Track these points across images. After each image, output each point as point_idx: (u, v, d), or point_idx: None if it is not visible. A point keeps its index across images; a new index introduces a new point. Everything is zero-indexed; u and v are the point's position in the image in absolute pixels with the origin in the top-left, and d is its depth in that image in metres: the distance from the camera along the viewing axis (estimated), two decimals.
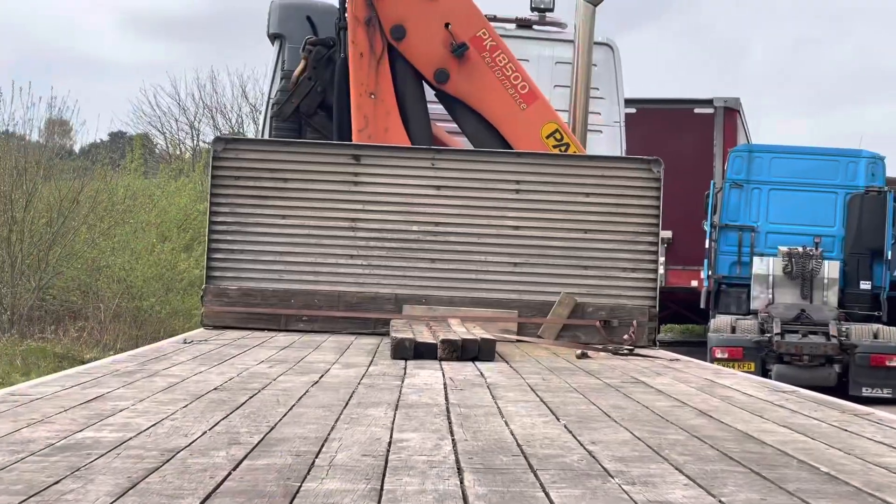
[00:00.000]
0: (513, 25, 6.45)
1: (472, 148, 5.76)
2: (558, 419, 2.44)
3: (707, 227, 10.89)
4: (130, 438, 1.96)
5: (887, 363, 9.42)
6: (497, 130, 5.56)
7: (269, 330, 5.18)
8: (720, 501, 1.46)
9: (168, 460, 1.73)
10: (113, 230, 13.69)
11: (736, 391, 3.10)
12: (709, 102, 13.15)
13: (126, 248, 13.68)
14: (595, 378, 3.48)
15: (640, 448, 2.00)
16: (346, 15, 5.46)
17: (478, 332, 4.31)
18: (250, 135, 18.14)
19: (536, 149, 5.52)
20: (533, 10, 6.42)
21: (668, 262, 12.19)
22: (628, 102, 7.49)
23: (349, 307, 5.30)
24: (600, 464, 1.80)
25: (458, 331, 4.37)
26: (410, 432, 2.16)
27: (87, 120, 36.58)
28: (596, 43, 6.13)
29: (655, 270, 5.33)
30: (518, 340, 4.88)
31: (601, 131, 6.35)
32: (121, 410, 2.37)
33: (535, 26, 6.53)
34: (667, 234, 11.89)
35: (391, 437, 2.08)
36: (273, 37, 6.28)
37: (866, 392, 9.27)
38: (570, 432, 2.20)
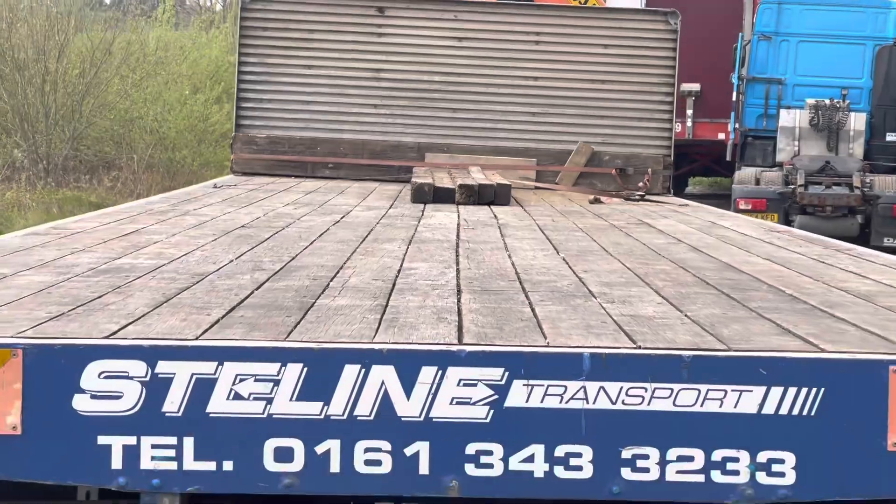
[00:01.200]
0: None
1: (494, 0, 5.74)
2: (558, 253, 2.62)
3: (734, 80, 10.65)
4: (164, 265, 2.18)
5: None
6: None
7: (295, 177, 5.41)
8: (685, 315, 1.64)
9: (198, 282, 1.95)
10: (145, 81, 13.84)
11: (733, 231, 3.26)
12: None
13: (158, 100, 13.87)
14: (603, 220, 3.65)
15: (628, 276, 2.17)
16: None
17: (495, 179, 4.46)
18: None
19: (557, 1, 5.48)
20: None
21: (695, 114, 12.23)
22: None
23: (373, 155, 5.47)
24: (587, 287, 1.98)
25: (477, 177, 4.53)
26: (419, 262, 2.36)
27: None
28: None
29: (671, 120, 5.40)
30: (536, 187, 5.02)
31: None
32: (155, 242, 2.60)
33: None
34: (695, 86, 11.85)
35: (401, 265, 2.28)
36: None
37: (888, 242, 9.27)
38: (567, 263, 2.38)
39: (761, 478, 1.46)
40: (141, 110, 13.30)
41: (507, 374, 1.41)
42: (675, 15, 5.32)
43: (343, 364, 1.36)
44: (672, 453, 1.43)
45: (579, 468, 1.44)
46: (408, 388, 1.37)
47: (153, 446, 1.37)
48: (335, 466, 1.38)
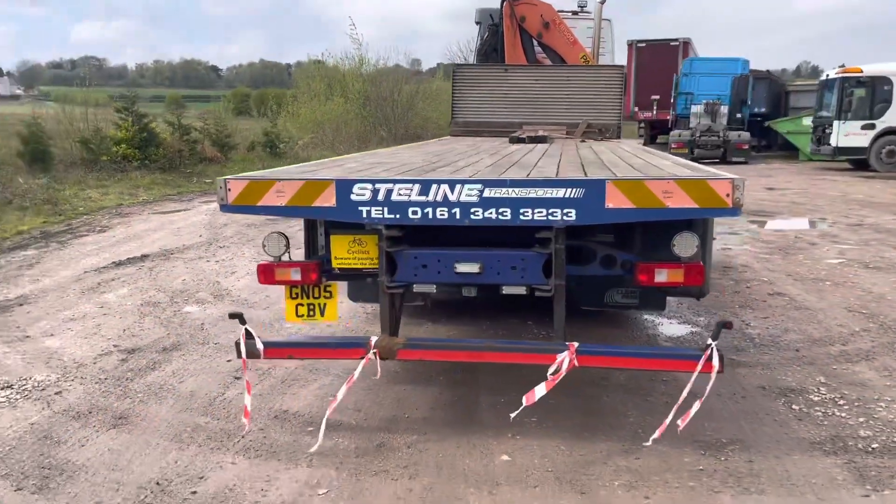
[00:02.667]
0: (569, 13, 14.12)
1: (559, 66, 13.59)
2: (557, 159, 10.77)
3: (673, 93, 27.00)
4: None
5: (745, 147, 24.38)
6: (561, 56, 13.43)
7: (475, 136, 13.66)
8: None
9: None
10: (433, 103, 31.31)
11: (622, 148, 11.23)
12: (675, 40, 29.29)
13: (436, 110, 27.11)
14: (581, 145, 11.74)
15: (575, 162, 10.30)
16: (503, 13, 13.31)
17: (545, 133, 12.57)
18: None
19: (576, 63, 13.41)
20: (578, 8, 14.08)
21: (658, 108, 30.05)
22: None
23: (505, 126, 13.58)
24: (558, 166, 10.12)
25: (537, 134, 12.64)
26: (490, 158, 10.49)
27: None
28: (604, 19, 13.74)
29: (620, 109, 13.23)
30: (565, 137, 13.08)
31: (605, 55, 14.07)
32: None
33: (580, 13, 14.14)
34: (657, 96, 29.36)
35: (501, 157, 10.43)
36: (476, 22, 14.10)
37: (734, 159, 24.91)
38: (557, 159, 10.53)
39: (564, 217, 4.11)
40: (431, 114, 25.11)
41: (482, 186, 4.13)
42: (622, 68, 13.22)
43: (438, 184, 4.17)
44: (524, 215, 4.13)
45: (504, 214, 4.13)
46: (454, 191, 4.16)
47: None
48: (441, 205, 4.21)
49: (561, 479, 4.15)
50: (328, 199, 4.37)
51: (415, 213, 4.28)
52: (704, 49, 33.20)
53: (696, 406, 4.22)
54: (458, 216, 4.23)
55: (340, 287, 5.25)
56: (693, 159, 22.28)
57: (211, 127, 21.09)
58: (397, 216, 4.28)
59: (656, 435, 4.37)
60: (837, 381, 5.61)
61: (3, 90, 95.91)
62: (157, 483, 4.16)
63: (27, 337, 6.86)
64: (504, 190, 4.21)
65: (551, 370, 4.31)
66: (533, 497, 3.98)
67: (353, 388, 4.72)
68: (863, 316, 7.36)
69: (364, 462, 4.37)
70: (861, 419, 4.90)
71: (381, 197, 4.29)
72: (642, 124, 31.65)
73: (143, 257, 10.35)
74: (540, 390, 4.30)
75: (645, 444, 4.42)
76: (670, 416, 4.28)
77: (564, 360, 4.31)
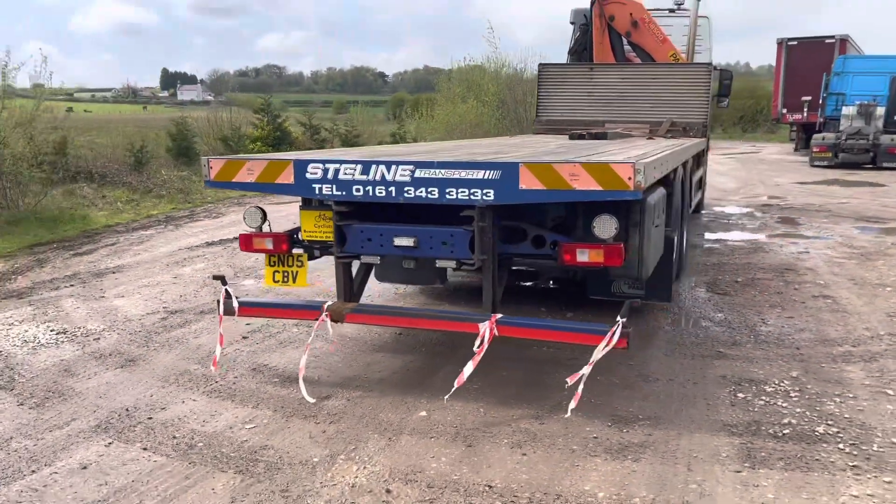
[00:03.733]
0: (666, 10, 13.88)
1: (645, 63, 13.48)
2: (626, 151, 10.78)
3: (822, 94, 25.43)
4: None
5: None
6: (650, 54, 13.33)
7: (553, 134, 13.87)
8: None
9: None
10: None
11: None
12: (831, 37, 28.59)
13: None
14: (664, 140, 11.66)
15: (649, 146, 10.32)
16: (592, 12, 13.41)
17: (617, 131, 12.54)
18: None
19: (665, 62, 13.21)
20: (675, 6, 13.83)
21: (809, 109, 28.09)
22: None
23: (584, 124, 13.69)
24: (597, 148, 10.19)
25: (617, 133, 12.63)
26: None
27: None
28: (701, 16, 13.25)
29: (707, 108, 12.86)
30: (650, 136, 12.97)
31: (701, 53, 13.73)
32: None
33: (676, 10, 13.84)
34: (808, 97, 28.04)
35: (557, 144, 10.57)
36: (571, 22, 14.29)
37: (885, 164, 22.58)
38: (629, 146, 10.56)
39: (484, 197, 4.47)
40: None
41: (414, 167, 4.56)
42: (710, 64, 12.80)
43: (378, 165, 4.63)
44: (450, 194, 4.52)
45: (433, 193, 4.52)
46: (389, 171, 4.63)
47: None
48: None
49: (459, 435, 4.51)
50: (287, 177, 4.96)
51: (358, 190, 4.75)
52: (867, 47, 30.87)
53: (587, 369, 4.46)
54: (393, 194, 4.66)
55: (318, 263, 5.87)
56: (837, 164, 21.36)
57: (341, 127, 22.50)
58: (343, 193, 4.78)
59: (573, 405, 4.61)
60: (812, 377, 5.49)
61: (195, 96, 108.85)
62: (126, 409, 4.95)
63: (102, 297, 8.02)
64: (432, 171, 4.58)
65: (476, 344, 4.67)
66: (425, 446, 4.37)
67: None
68: None
69: (301, 408, 4.94)
70: (799, 410, 4.85)
71: (329, 175, 4.79)
72: (793, 127, 30.04)
73: (234, 239, 11.50)
74: (468, 369, 4.69)
75: (565, 416, 4.67)
76: (580, 388, 4.53)
77: (486, 329, 4.66)
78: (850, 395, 5.09)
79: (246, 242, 5.45)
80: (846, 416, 4.71)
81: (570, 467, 4.05)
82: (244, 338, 6.46)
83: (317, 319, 5.13)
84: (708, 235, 11.75)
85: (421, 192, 4.61)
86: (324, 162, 4.83)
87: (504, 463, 4.10)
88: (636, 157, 4.83)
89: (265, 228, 5.50)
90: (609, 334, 4.42)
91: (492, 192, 4.48)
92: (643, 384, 5.28)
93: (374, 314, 5.29)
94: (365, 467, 4.07)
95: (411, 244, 4.85)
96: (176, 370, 5.67)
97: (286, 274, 5.54)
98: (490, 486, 3.84)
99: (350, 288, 5.41)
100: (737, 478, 3.94)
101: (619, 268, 4.91)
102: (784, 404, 4.93)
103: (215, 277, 5.46)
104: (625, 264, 4.85)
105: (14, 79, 13.24)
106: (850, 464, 4.06)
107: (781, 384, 5.32)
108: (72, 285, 8.52)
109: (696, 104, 11.66)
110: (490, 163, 4.50)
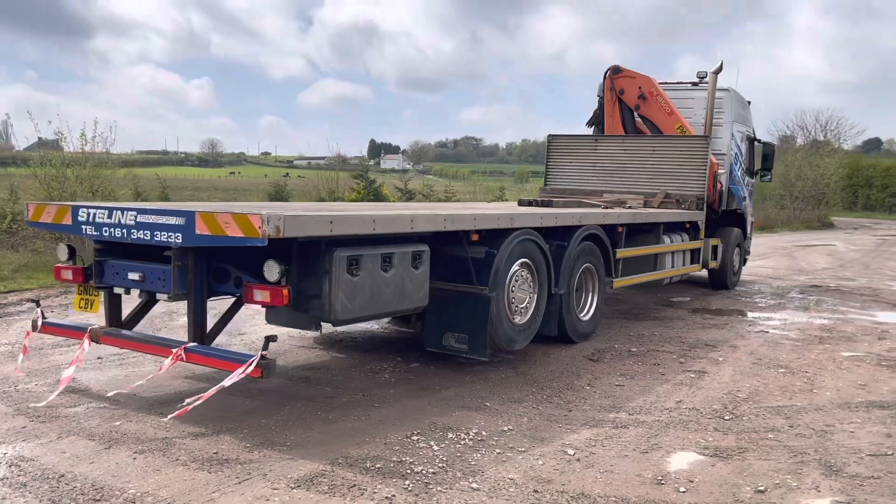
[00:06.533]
0: (689, 84, 12.83)
1: (644, 135, 12.01)
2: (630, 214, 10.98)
3: None
4: None
5: None
6: (657, 126, 12.06)
7: (562, 202, 14.19)
8: None
9: None
10: None
11: None
12: None
13: None
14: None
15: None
16: (604, 86, 12.29)
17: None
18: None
19: (672, 134, 11.89)
20: (698, 79, 13.36)
21: None
22: None
23: (584, 193, 13.79)
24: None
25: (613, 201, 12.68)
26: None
27: None
28: (721, 89, 12.14)
29: (703, 181, 11.18)
30: (644, 206, 12.68)
31: (721, 126, 12.34)
32: None
33: (699, 84, 12.59)
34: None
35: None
36: (598, 96, 12.75)
37: None
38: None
39: (175, 240, 4.95)
40: None
41: (136, 213, 5.19)
42: (706, 137, 11.31)
43: None
44: (157, 236, 5.03)
45: (146, 235, 5.03)
46: (123, 215, 5.21)
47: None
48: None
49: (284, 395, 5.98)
50: (68, 219, 5.63)
51: (106, 231, 5.36)
52: None
53: (213, 390, 4.98)
54: (125, 235, 5.27)
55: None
56: None
57: (440, 193, 23.73)
58: (98, 233, 5.44)
59: (175, 413, 5.09)
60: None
61: (396, 165, 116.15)
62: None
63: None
64: (147, 216, 5.11)
65: (164, 365, 5.24)
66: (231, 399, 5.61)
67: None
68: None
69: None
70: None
71: (91, 219, 5.45)
72: None
73: None
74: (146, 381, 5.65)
75: (164, 420, 5.18)
76: (198, 399, 5.03)
77: (173, 355, 5.20)
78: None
79: (56, 272, 6.04)
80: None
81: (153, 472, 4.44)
82: (98, 358, 7.01)
83: (81, 340, 5.91)
84: None
85: (140, 234, 5.17)
86: (88, 207, 5.49)
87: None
88: (337, 211, 5.44)
89: (78, 263, 6.01)
90: (246, 364, 4.82)
91: (181, 235, 4.93)
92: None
93: (118, 338, 5.84)
94: None
95: (138, 278, 5.40)
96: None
97: (87, 301, 6.09)
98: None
99: (117, 315, 6.07)
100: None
101: (309, 308, 5.24)
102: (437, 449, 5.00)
103: (31, 301, 6.91)
104: (310, 306, 5.19)
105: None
106: None
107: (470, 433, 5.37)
108: None
109: (691, 177, 11.58)
110: (177, 210, 4.95)
